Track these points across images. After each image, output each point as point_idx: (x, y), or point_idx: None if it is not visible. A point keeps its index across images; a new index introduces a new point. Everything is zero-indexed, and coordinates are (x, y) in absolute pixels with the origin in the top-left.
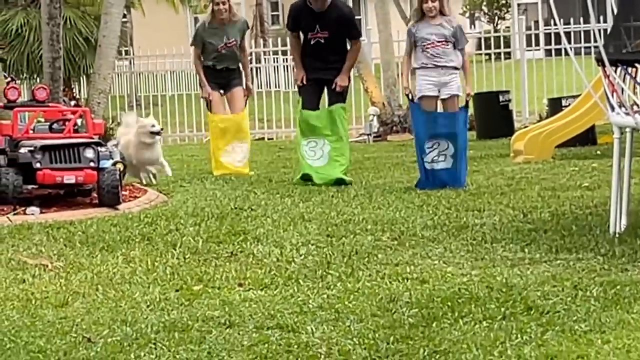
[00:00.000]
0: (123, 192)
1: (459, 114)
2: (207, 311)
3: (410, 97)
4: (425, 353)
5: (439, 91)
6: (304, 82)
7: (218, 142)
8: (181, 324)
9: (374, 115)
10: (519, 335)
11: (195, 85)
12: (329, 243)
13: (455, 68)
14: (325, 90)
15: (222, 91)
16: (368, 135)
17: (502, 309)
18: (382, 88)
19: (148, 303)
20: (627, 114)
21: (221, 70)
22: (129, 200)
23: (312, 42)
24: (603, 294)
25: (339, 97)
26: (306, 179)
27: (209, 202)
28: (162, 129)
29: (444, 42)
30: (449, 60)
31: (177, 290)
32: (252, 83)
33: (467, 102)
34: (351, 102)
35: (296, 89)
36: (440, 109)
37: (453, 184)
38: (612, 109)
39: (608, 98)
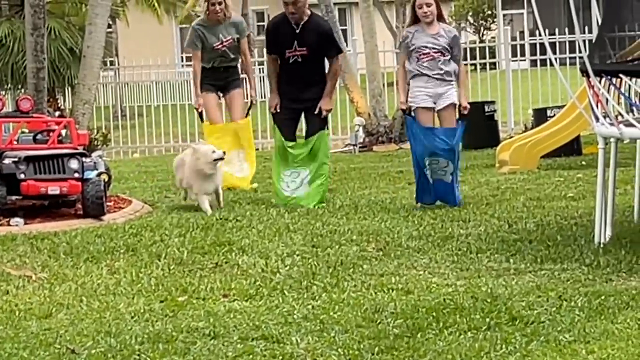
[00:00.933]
0: (107, 203)
1: (458, 129)
2: (192, 322)
3: (407, 112)
4: None
5: (435, 103)
6: (277, 110)
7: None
8: (165, 335)
9: (359, 125)
10: (503, 346)
11: (180, 95)
12: (314, 254)
13: (452, 80)
14: (304, 117)
15: (220, 94)
16: (354, 145)
17: (487, 320)
18: (367, 98)
19: (132, 314)
20: (612, 124)
21: (218, 69)
22: (114, 211)
23: (290, 61)
24: (587, 304)
25: (320, 123)
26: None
27: (194, 212)
28: (224, 153)
29: (440, 53)
30: (445, 72)
31: (161, 302)
32: (255, 90)
33: (462, 114)
34: (337, 112)
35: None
36: (436, 120)
37: (448, 200)
38: (597, 119)
39: (593, 109)
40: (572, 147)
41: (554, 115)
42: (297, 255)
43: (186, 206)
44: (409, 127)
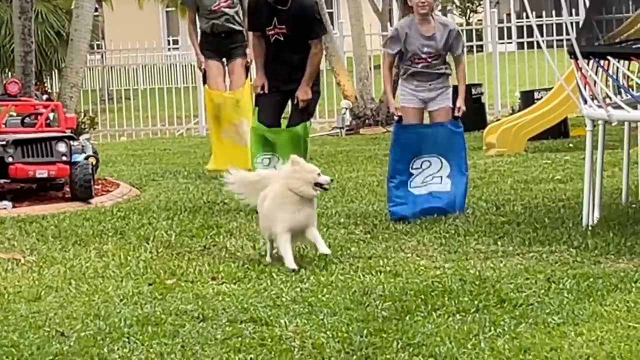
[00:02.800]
0: (95, 186)
1: (451, 124)
2: (181, 305)
3: (398, 118)
4: (399, 346)
5: (425, 104)
6: (265, 91)
7: (215, 122)
8: (154, 318)
9: (346, 108)
10: (492, 328)
11: (167, 78)
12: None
13: (447, 85)
14: (291, 101)
15: (224, 60)
16: (340, 128)
17: (475, 302)
18: (354, 81)
19: (121, 297)
20: (600, 106)
21: (220, 35)
22: (102, 194)
23: (271, 40)
24: (576, 286)
25: (303, 113)
26: None
27: (182, 195)
28: (332, 180)
29: (435, 56)
30: (440, 76)
31: (150, 284)
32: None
33: (455, 116)
34: (324, 95)
35: None
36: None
37: (450, 208)
38: (585, 101)
39: (580, 91)
40: (560, 130)
41: (541, 97)
42: None
43: (174, 189)
44: (394, 133)
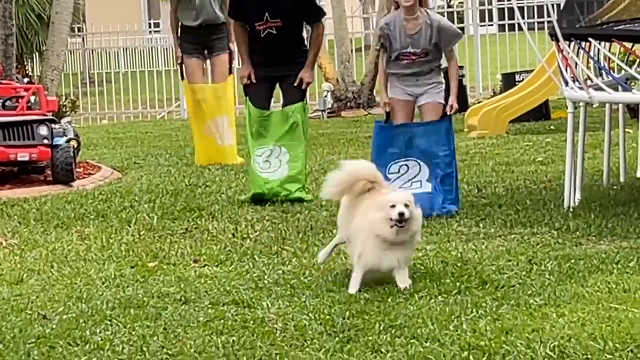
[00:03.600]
0: (77, 169)
1: (440, 123)
2: (163, 287)
3: (389, 114)
4: (381, 328)
5: (416, 98)
6: (253, 80)
7: (196, 116)
8: (136, 301)
9: (328, 91)
10: (474, 310)
11: (148, 62)
12: (284, 219)
13: (437, 81)
14: (279, 87)
15: (203, 54)
16: (322, 111)
17: (457, 284)
18: (335, 64)
19: (103, 280)
20: (581, 88)
21: (199, 28)
22: (83, 177)
23: (261, 35)
24: (557, 267)
25: (298, 94)
26: (257, 199)
27: (164, 178)
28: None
29: (422, 55)
30: (428, 73)
31: (132, 267)
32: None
33: (446, 114)
34: None
35: None
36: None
37: (436, 210)
38: (566, 83)
39: (562, 73)
40: (541, 112)
41: (523, 79)
42: (267, 220)
43: (156, 172)
44: (374, 133)
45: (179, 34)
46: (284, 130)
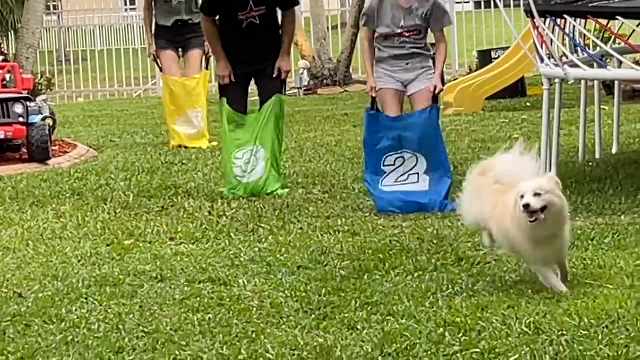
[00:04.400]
0: (53, 148)
1: (430, 110)
2: (139, 265)
3: (375, 99)
4: (357, 305)
5: (405, 87)
6: (233, 79)
7: (170, 107)
8: (113, 279)
9: (304, 69)
10: (450, 286)
11: (124, 40)
12: (260, 197)
13: (428, 65)
14: (255, 82)
15: (179, 50)
16: (298, 89)
17: (433, 261)
18: (312, 42)
19: (79, 258)
20: (557, 65)
21: (173, 26)
22: (59, 156)
23: (243, 26)
24: None
25: (276, 87)
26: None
27: (140, 156)
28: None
29: (414, 32)
30: (419, 54)
31: (108, 245)
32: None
33: (434, 97)
34: None
35: None
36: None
37: (434, 208)
38: (542, 60)
39: (537, 50)
40: (517, 89)
41: (499, 57)
42: (244, 198)
43: (132, 150)
44: (365, 124)
45: (152, 31)
46: (262, 127)
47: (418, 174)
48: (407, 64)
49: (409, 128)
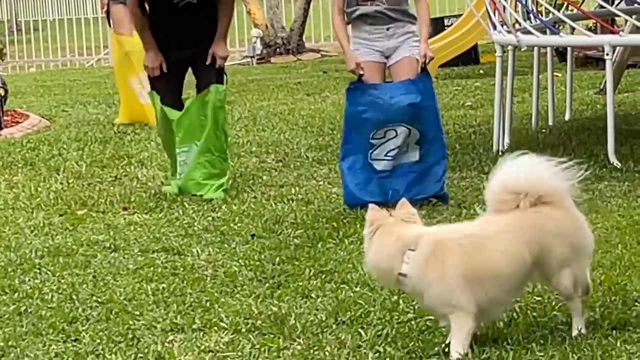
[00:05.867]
0: (4, 118)
1: (420, 79)
2: (92, 235)
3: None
4: (311, 273)
5: (386, 58)
6: (164, 70)
7: (122, 69)
8: (66, 249)
9: (257, 37)
10: None
11: (77, 9)
12: None
13: (411, 30)
14: (192, 71)
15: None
16: (251, 57)
17: None
18: (265, 10)
19: (32, 228)
20: (509, 32)
21: None
22: (11, 126)
23: (179, 5)
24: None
25: (214, 75)
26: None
27: (92, 126)
28: None
29: None
30: (402, 22)
31: (61, 215)
32: None
33: (422, 68)
34: (234, 25)
35: None
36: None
37: (426, 191)
38: (494, 27)
39: (490, 17)
40: (470, 56)
41: (451, 24)
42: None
43: (84, 120)
44: (347, 99)
45: None
46: (202, 125)
47: (408, 144)
48: (388, 28)
49: (399, 94)
